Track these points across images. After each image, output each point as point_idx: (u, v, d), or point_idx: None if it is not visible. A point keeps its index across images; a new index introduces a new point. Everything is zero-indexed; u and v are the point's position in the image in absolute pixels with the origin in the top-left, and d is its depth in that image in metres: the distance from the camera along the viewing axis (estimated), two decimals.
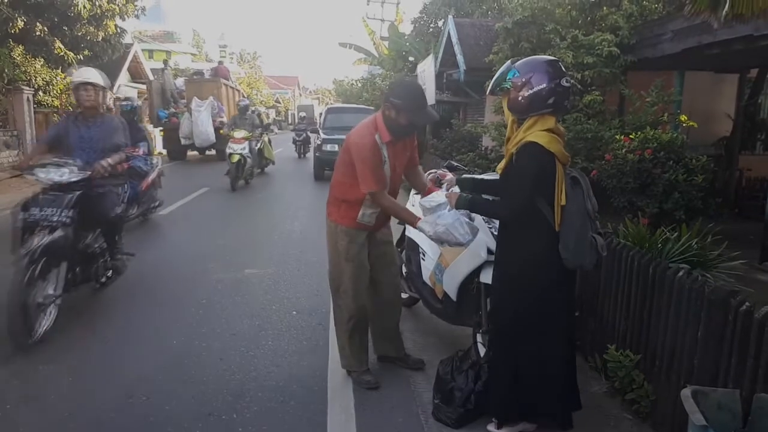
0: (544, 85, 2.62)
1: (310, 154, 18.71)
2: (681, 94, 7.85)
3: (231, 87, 21.02)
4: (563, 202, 2.65)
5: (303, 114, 23.51)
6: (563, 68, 2.73)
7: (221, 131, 15.35)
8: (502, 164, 2.87)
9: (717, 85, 10.28)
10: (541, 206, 2.66)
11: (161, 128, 18.69)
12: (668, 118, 7.48)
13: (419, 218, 3.18)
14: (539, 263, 2.71)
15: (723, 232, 4.30)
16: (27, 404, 3.21)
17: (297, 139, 21.32)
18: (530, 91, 2.64)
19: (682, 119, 7.57)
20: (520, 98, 2.67)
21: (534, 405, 2.88)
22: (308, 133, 19.38)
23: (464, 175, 3.23)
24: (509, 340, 2.88)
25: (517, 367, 2.84)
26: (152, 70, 27.05)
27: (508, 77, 2.72)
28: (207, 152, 18.30)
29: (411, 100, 3.22)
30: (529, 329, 2.79)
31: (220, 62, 25.71)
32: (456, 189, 3.20)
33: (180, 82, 20.75)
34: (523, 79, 2.66)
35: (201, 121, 17.10)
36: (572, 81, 8.46)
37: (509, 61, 2.92)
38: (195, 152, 18.55)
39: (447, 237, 2.91)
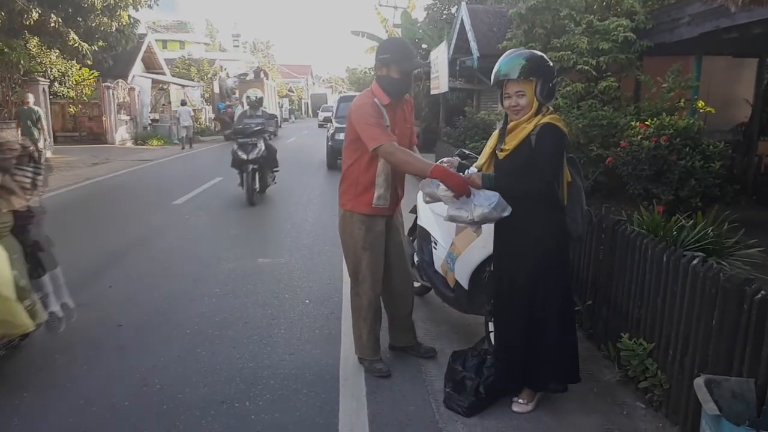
0: (558, 78, 2.81)
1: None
2: (698, 80, 7.72)
3: (273, 85, 29.71)
4: (569, 179, 2.95)
5: (255, 95, 9.93)
6: None
7: None
8: (510, 145, 2.90)
9: (735, 69, 10.11)
10: (553, 181, 2.88)
11: (220, 115, 26.12)
12: (685, 104, 7.39)
13: (432, 164, 3.07)
14: (545, 232, 2.93)
15: (740, 219, 4.25)
16: (44, 392, 3.26)
17: (243, 156, 9.17)
18: (553, 82, 2.87)
19: (699, 105, 7.46)
20: (550, 86, 2.86)
21: (540, 375, 3.03)
22: (267, 142, 9.51)
23: (462, 162, 3.24)
24: (511, 312, 3.05)
25: (519, 337, 3.01)
26: (166, 60, 28.12)
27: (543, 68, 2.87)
28: None
29: (397, 51, 3.33)
30: (531, 295, 2.96)
31: (259, 67, 32.95)
32: (473, 169, 3.20)
33: (231, 81, 27.70)
34: (553, 72, 2.88)
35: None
36: (587, 67, 8.45)
37: (519, 49, 3.06)
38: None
39: (491, 215, 2.85)
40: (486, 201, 2.84)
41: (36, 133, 12.91)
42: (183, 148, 20.65)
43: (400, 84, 3.31)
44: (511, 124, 2.93)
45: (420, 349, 3.78)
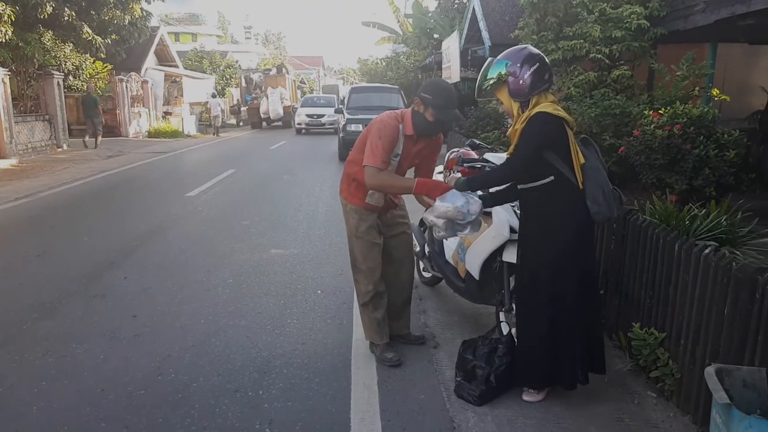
0: (537, 64, 2.84)
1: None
2: (713, 67, 7.63)
3: (292, 79, 33.07)
4: (582, 161, 2.86)
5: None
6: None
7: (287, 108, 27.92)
8: (511, 148, 2.95)
9: (751, 57, 9.98)
10: (561, 168, 2.82)
11: (247, 107, 29.96)
12: (699, 92, 7.30)
13: (415, 179, 3.24)
14: (561, 222, 2.87)
15: (755, 208, 4.20)
16: (62, 381, 3.32)
17: None
18: (528, 72, 2.83)
19: (714, 93, 7.37)
20: (521, 82, 2.86)
21: (556, 370, 2.98)
22: None
23: (462, 179, 3.12)
24: (535, 303, 2.99)
25: (543, 330, 2.95)
26: (178, 52, 28.87)
27: (502, 71, 2.90)
28: (273, 124, 28.69)
29: (440, 96, 3.28)
30: (553, 285, 2.91)
31: (281, 63, 35.70)
32: (457, 174, 3.25)
33: (256, 76, 30.46)
34: (518, 64, 2.85)
35: (273, 102, 27.35)
36: (600, 56, 8.37)
37: (489, 59, 3.08)
38: (263, 123, 28.74)
39: (448, 212, 2.95)
40: (442, 200, 2.97)
41: (98, 115, 17.24)
42: (215, 135, 24.09)
43: (430, 127, 3.33)
44: (510, 129, 3.01)
45: (410, 338, 3.83)
